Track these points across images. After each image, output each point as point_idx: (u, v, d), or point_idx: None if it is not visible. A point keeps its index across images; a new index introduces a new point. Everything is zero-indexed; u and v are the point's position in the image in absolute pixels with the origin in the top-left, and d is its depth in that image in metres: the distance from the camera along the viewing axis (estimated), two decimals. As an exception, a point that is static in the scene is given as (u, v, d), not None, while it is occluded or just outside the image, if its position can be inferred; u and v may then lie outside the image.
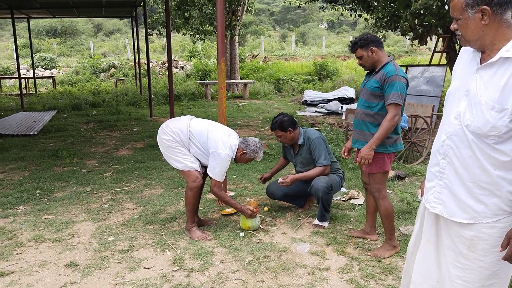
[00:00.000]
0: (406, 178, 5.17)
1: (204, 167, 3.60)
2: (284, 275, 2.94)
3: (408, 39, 14.16)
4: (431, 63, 9.37)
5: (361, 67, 3.26)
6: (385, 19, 10.27)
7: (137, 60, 14.90)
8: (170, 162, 3.55)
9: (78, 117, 10.51)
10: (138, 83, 14.75)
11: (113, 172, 5.59)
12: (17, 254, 3.27)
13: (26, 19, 15.07)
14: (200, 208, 4.07)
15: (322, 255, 3.23)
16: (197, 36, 14.96)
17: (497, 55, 1.55)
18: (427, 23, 8.79)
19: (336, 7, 12.84)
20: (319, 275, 2.94)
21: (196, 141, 3.46)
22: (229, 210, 4.09)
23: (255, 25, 33.89)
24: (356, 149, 3.31)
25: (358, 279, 2.88)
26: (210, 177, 3.49)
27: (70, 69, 20.07)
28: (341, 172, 4.02)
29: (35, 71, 16.99)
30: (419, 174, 5.30)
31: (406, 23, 8.69)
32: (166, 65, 15.72)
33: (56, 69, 20.83)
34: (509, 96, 1.50)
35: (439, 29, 9.29)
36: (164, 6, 10.50)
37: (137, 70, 15.38)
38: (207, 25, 14.49)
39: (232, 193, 4.64)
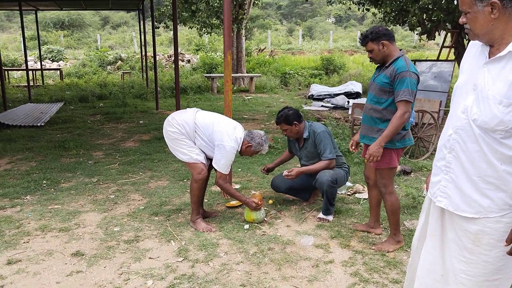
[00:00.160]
0: (412, 173, 5.15)
1: (209, 160, 3.62)
2: (288, 267, 2.95)
3: (416, 34, 14.06)
4: (439, 58, 9.29)
5: (371, 61, 3.14)
6: (393, 14, 10.19)
7: (143, 53, 14.91)
8: (176, 154, 3.56)
9: (85, 109, 10.56)
10: (145, 76, 14.78)
11: (119, 164, 5.62)
12: (24, 243, 3.31)
13: (34, 11, 15.10)
14: (205, 200, 4.09)
15: (326, 248, 3.24)
16: (203, 29, 14.92)
17: (506, 49, 1.53)
18: (435, 18, 8.71)
19: (344, 1, 12.75)
20: (323, 267, 2.95)
21: (202, 134, 3.47)
22: (234, 202, 4.11)
23: (262, 18, 33.75)
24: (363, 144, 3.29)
25: (362, 272, 2.89)
26: (215, 170, 3.50)
27: (77, 62, 20.14)
28: (346, 166, 4.01)
29: (43, 63, 17.06)
30: (425, 169, 5.29)
31: (414, 17, 8.63)
32: (173, 58, 15.71)
33: (63, 61, 20.91)
34: (517, 90, 1.49)
35: (447, 24, 9.21)
36: (171, -1, 10.49)
37: (144, 63, 15.41)
38: (214, 19, 14.45)
39: (237, 186, 4.66)
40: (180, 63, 18.86)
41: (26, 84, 13.06)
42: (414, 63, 8.93)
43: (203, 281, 2.75)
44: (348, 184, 4.59)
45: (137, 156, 6.01)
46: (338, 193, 4.25)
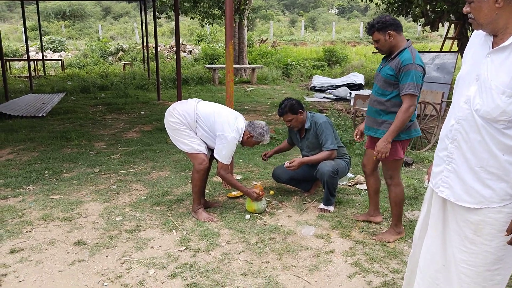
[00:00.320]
0: (414, 165, 5.15)
1: (211, 150, 3.62)
2: (289, 256, 2.97)
3: (420, 25, 13.95)
4: (442, 50, 9.23)
5: (377, 51, 3.09)
6: (397, 5, 10.09)
7: (145, 44, 14.85)
8: (177, 144, 3.56)
9: (86, 99, 10.56)
10: (146, 66, 14.73)
11: (121, 154, 5.63)
12: (26, 232, 3.33)
13: (35, 2, 15.02)
14: (207, 191, 4.10)
15: (327, 238, 3.25)
16: (205, 20, 14.83)
17: (510, 39, 1.52)
18: (439, 9, 8.63)
19: (347, -8, 12.63)
20: (323, 257, 2.96)
21: (203, 124, 3.47)
22: (235, 193, 4.12)
23: (264, 9, 33.55)
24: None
25: (362, 262, 2.90)
26: (217, 160, 3.51)
27: (78, 52, 20.09)
28: (347, 157, 4.01)
29: (44, 53, 17.02)
30: (427, 160, 5.28)
31: (418, 8, 8.55)
32: (174, 49, 15.64)
33: (64, 51, 20.86)
34: (520, 81, 1.48)
35: (451, 15, 9.12)
36: (173, -12, 10.42)
37: (145, 54, 15.34)
38: (216, 9, 14.36)
39: (238, 177, 4.66)
40: (182, 54, 18.78)
41: (28, 75, 13.04)
42: (417, 55, 8.92)
43: (205, 270, 2.77)
44: (349, 175, 4.60)
45: (139, 146, 6.02)
46: (339, 184, 4.26)
